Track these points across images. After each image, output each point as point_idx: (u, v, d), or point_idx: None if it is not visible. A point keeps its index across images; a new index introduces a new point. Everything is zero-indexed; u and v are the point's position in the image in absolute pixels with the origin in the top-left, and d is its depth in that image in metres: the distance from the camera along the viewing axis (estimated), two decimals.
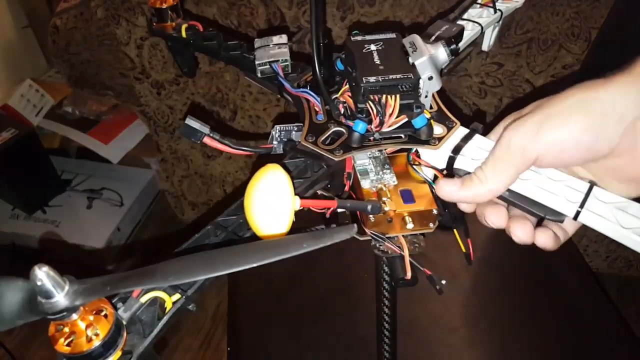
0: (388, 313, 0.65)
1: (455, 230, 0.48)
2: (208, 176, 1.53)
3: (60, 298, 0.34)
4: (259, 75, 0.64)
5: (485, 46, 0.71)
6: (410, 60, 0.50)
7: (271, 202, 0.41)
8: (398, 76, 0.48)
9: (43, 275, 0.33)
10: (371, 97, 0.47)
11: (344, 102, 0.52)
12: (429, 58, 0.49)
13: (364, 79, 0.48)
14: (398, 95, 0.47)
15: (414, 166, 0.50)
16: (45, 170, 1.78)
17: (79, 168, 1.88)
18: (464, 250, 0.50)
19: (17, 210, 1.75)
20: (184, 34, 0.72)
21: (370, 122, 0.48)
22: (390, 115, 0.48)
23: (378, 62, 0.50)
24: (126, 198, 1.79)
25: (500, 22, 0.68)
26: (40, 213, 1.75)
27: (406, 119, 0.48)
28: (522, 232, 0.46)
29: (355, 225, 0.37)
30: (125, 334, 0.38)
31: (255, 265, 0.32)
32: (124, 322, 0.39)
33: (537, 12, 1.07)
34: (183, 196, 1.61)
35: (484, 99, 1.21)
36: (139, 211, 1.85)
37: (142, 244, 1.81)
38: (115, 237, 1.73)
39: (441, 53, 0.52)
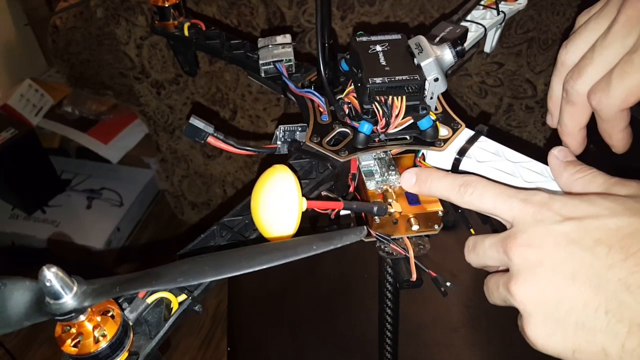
0: (390, 314, 0.65)
1: (472, 230, 0.48)
2: (208, 176, 1.53)
3: (69, 299, 0.34)
4: (262, 75, 0.64)
5: (487, 48, 0.71)
6: (416, 61, 0.50)
7: (279, 204, 0.41)
8: (404, 77, 0.48)
9: (52, 276, 0.33)
10: (377, 98, 0.47)
11: (349, 103, 0.52)
12: (435, 59, 0.49)
13: (370, 79, 0.48)
14: (404, 97, 0.47)
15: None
16: (45, 170, 1.78)
17: (78, 168, 1.87)
18: None
19: (16, 210, 1.75)
20: (186, 33, 0.72)
21: (376, 123, 0.48)
22: (397, 116, 0.48)
23: (384, 63, 0.50)
24: (126, 198, 1.79)
25: (503, 24, 0.68)
26: (40, 213, 1.75)
27: (412, 121, 0.48)
28: None
29: (366, 227, 0.37)
30: (132, 335, 0.38)
31: (265, 267, 0.32)
32: (131, 323, 0.39)
33: (538, 11, 1.07)
34: (183, 196, 1.61)
35: (485, 99, 1.21)
36: (138, 211, 1.85)
37: (141, 244, 1.81)
38: (115, 237, 1.72)
39: (447, 54, 0.52)
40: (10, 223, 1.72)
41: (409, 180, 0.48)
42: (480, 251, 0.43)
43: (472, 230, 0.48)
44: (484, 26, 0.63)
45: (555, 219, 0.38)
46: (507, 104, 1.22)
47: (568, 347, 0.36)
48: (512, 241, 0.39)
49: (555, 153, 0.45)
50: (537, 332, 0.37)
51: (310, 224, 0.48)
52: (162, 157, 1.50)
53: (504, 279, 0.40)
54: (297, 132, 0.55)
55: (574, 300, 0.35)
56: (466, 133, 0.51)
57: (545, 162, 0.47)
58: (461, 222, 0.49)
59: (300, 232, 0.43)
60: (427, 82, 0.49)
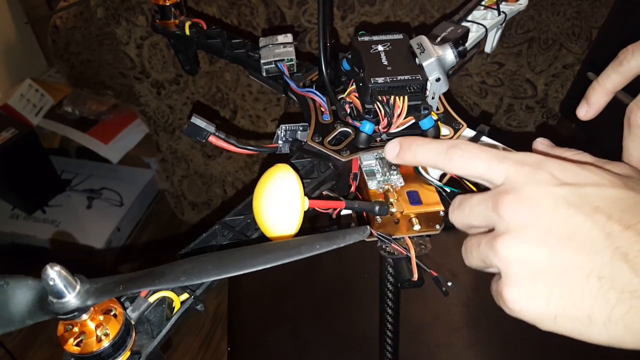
0: (391, 314, 0.65)
1: None
2: (208, 176, 1.53)
3: (72, 298, 0.34)
4: (264, 74, 0.64)
5: (488, 48, 0.71)
6: (418, 61, 0.50)
7: (282, 203, 0.41)
8: (406, 77, 0.48)
9: (55, 274, 0.33)
10: (379, 97, 0.47)
11: (350, 103, 0.52)
12: (437, 59, 0.49)
13: (372, 79, 0.48)
14: (406, 97, 0.47)
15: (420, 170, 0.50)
16: (45, 170, 1.78)
17: (78, 168, 1.87)
18: None
19: (17, 210, 1.75)
20: (187, 32, 0.72)
21: (377, 122, 0.49)
22: (398, 116, 0.48)
23: (386, 62, 0.50)
24: (126, 198, 1.79)
25: (504, 24, 0.68)
26: (40, 213, 1.75)
27: (413, 120, 0.49)
28: None
29: (368, 227, 0.37)
30: (134, 334, 0.38)
31: (268, 266, 0.32)
32: (133, 322, 0.39)
33: (538, 11, 1.07)
34: (183, 196, 1.61)
35: (485, 99, 1.21)
36: (138, 211, 1.85)
37: (142, 244, 1.81)
38: (115, 237, 1.72)
39: (449, 54, 0.52)
40: (11, 223, 1.72)
41: (393, 150, 0.45)
42: (467, 208, 0.40)
43: None
44: (485, 26, 0.63)
45: (553, 182, 0.36)
46: (508, 104, 1.22)
47: (550, 311, 0.35)
48: (505, 196, 0.37)
49: (540, 140, 0.45)
50: (518, 293, 0.36)
51: (310, 224, 0.48)
52: (162, 157, 1.50)
53: (487, 237, 0.38)
54: (299, 132, 0.55)
55: (567, 263, 0.34)
56: (467, 133, 0.51)
57: None
58: None
59: (300, 232, 0.43)
60: (428, 82, 0.49)
